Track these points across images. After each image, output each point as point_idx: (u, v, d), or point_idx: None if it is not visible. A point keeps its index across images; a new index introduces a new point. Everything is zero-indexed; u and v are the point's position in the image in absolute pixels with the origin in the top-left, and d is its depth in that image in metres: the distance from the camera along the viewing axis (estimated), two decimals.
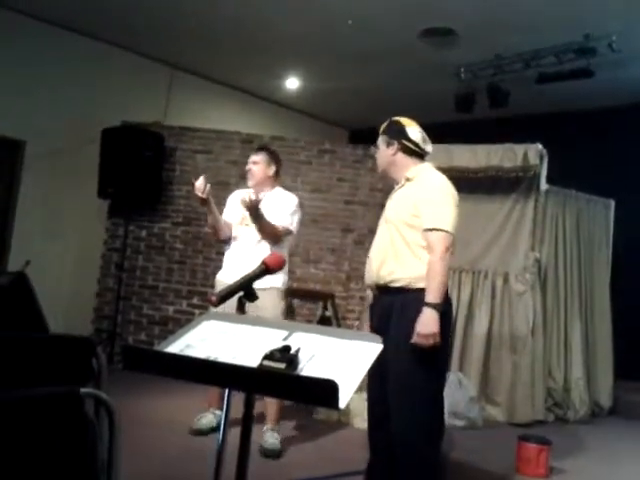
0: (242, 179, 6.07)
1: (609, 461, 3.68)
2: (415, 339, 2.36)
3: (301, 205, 3.82)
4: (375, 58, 5.91)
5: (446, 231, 2.45)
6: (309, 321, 5.60)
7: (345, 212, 6.05)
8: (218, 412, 3.63)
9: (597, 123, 6.28)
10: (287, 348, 1.30)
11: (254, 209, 3.35)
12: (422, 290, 2.42)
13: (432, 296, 2.38)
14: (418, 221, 2.50)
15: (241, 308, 1.64)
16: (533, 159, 4.53)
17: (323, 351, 1.36)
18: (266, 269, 1.74)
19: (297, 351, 1.30)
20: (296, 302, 5.69)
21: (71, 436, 1.66)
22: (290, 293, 5.65)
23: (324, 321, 5.23)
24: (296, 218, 3.73)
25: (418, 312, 2.37)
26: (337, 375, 1.19)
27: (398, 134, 2.73)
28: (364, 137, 7.57)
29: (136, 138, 5.71)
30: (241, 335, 1.49)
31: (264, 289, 3.34)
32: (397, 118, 2.81)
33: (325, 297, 5.54)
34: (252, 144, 6.06)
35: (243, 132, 6.15)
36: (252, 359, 1.31)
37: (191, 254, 5.90)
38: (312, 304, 5.76)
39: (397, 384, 2.44)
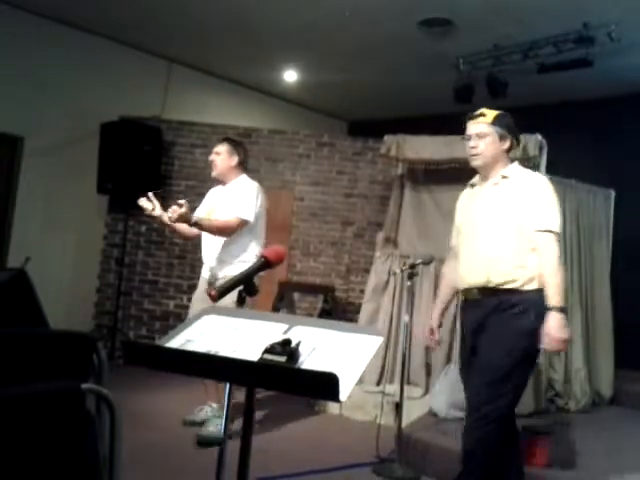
0: None
1: (610, 450, 3.69)
2: (547, 344, 2.32)
3: (260, 191, 3.74)
4: (373, 50, 5.88)
5: (557, 233, 2.42)
6: (309, 314, 5.61)
7: (345, 205, 6.05)
8: (215, 405, 3.67)
9: (596, 113, 6.26)
10: (288, 341, 1.30)
11: (184, 219, 3.30)
12: (533, 292, 2.40)
13: (557, 299, 2.33)
14: (525, 221, 2.44)
15: (241, 302, 1.64)
16: (532, 150, 4.51)
17: (324, 344, 1.36)
18: (266, 263, 1.74)
19: (297, 344, 1.30)
20: (296, 295, 5.70)
21: (72, 431, 1.67)
22: (291, 286, 5.67)
23: (324, 314, 5.24)
24: (251, 207, 3.62)
25: (532, 314, 2.36)
26: (338, 368, 1.19)
27: (513, 130, 2.63)
28: (363, 129, 7.58)
29: (134, 133, 5.70)
30: (241, 329, 1.49)
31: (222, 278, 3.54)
32: (504, 112, 2.66)
33: (325, 290, 5.55)
34: (251, 138, 6.06)
35: (241, 126, 6.15)
36: (253, 353, 1.31)
37: (191, 249, 5.90)
38: (312, 297, 5.77)
39: (497, 376, 2.41)
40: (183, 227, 3.59)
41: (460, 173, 5.01)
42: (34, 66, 5.60)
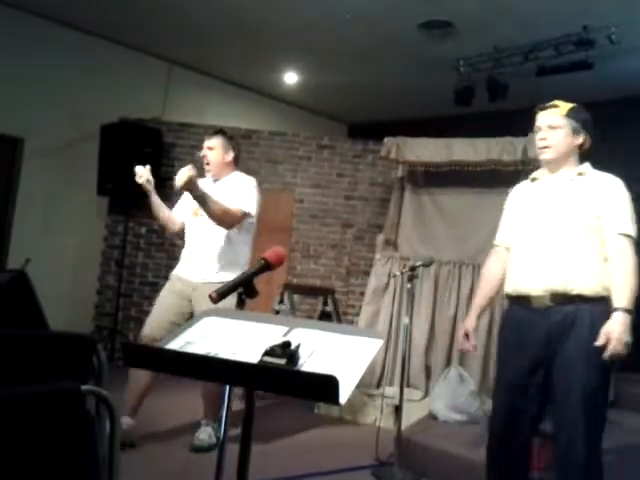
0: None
1: (611, 453, 3.68)
2: (610, 346, 2.12)
3: (258, 188, 3.51)
4: (374, 52, 5.89)
5: (634, 237, 2.27)
6: (309, 317, 5.61)
7: (345, 207, 6.05)
8: (216, 425, 3.44)
9: (596, 115, 6.24)
10: (287, 344, 1.30)
11: (192, 185, 3.02)
12: (608, 298, 2.21)
13: (626, 301, 2.15)
14: (600, 223, 2.28)
15: (241, 304, 1.64)
16: (533, 152, 4.51)
17: (324, 347, 1.36)
18: (266, 265, 1.74)
19: (297, 347, 1.30)
20: (296, 298, 5.70)
21: (72, 433, 1.66)
22: (291, 289, 5.66)
23: (324, 316, 5.24)
24: (253, 200, 3.38)
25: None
26: (337, 370, 1.19)
27: (588, 125, 2.42)
28: (363, 131, 7.59)
29: (135, 134, 5.70)
30: (241, 331, 1.49)
31: (214, 283, 3.14)
32: (579, 105, 2.45)
33: (325, 292, 5.54)
34: (251, 139, 6.07)
35: (242, 128, 6.15)
36: (252, 355, 1.31)
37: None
38: (312, 299, 5.77)
39: (583, 400, 2.19)
40: (167, 215, 3.47)
41: (460, 176, 5.04)
42: (34, 67, 5.61)
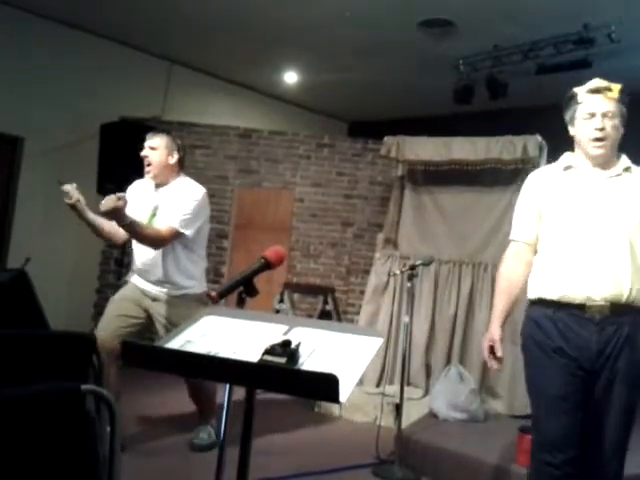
0: (240, 173, 6.10)
1: None
2: None
3: (205, 200, 3.25)
4: (373, 51, 5.89)
5: None
6: (309, 315, 5.61)
7: (345, 206, 6.05)
8: (214, 422, 3.46)
9: None
10: (288, 343, 1.30)
11: (117, 214, 2.82)
12: None
13: None
14: None
15: (241, 304, 1.64)
16: (532, 151, 4.51)
17: (324, 345, 1.36)
18: (266, 264, 1.73)
19: (298, 345, 1.30)
20: (296, 296, 5.70)
21: (72, 432, 1.66)
22: (291, 287, 5.67)
23: (324, 315, 5.24)
24: (193, 218, 3.11)
25: None
26: (338, 369, 1.19)
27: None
28: (363, 130, 7.59)
29: (135, 133, 5.66)
30: (241, 330, 1.49)
31: (177, 296, 3.13)
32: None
33: (325, 291, 5.54)
34: (251, 139, 6.07)
35: (242, 127, 6.14)
36: (253, 354, 1.31)
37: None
38: (312, 298, 5.77)
39: (624, 418, 2.04)
40: (113, 228, 3.16)
41: (459, 174, 5.04)
42: (34, 67, 5.60)
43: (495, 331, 2.19)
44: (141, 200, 3.29)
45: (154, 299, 3.22)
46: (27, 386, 1.62)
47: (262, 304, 4.81)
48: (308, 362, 1.29)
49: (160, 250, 3.13)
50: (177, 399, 4.26)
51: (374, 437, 3.47)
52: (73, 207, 3.06)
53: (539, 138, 4.53)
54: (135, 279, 3.31)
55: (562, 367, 2.04)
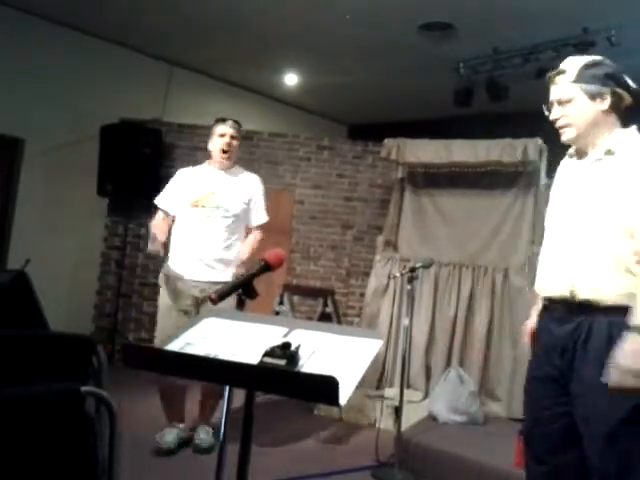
0: None
1: None
2: (614, 376, 1.61)
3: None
4: (374, 53, 5.89)
5: None
6: (309, 318, 5.61)
7: (345, 208, 6.05)
8: (181, 426, 3.47)
9: None
10: (287, 345, 1.30)
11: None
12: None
13: None
14: (631, 214, 1.77)
15: (241, 305, 1.64)
16: (533, 154, 4.52)
17: (323, 348, 1.36)
18: (266, 266, 1.74)
19: (297, 348, 1.30)
20: (296, 299, 5.70)
21: (72, 433, 1.67)
22: (290, 290, 5.66)
23: (324, 317, 5.24)
24: (263, 206, 3.52)
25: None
26: (337, 371, 1.19)
27: (611, 78, 1.87)
28: (363, 132, 7.59)
29: (135, 135, 5.70)
30: (241, 332, 1.49)
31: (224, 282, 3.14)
32: (595, 57, 1.95)
33: (325, 294, 5.54)
34: (252, 141, 6.06)
35: (242, 129, 6.13)
36: (252, 356, 1.31)
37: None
38: (312, 301, 5.76)
39: (605, 440, 1.75)
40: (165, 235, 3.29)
41: (460, 177, 5.05)
42: (34, 68, 5.61)
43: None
44: (201, 180, 3.40)
45: (202, 290, 3.23)
46: (27, 387, 1.62)
47: (262, 306, 4.81)
48: (308, 364, 1.29)
49: (220, 230, 3.28)
50: None
51: (374, 440, 3.47)
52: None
53: (539, 141, 4.54)
54: (178, 270, 3.34)
55: (540, 365, 1.97)
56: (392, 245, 5.22)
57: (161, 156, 5.89)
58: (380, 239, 5.23)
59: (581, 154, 1.99)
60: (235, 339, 1.45)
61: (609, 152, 1.88)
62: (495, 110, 6.09)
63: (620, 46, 4.86)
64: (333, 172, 6.09)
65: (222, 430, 1.59)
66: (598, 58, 1.96)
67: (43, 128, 5.69)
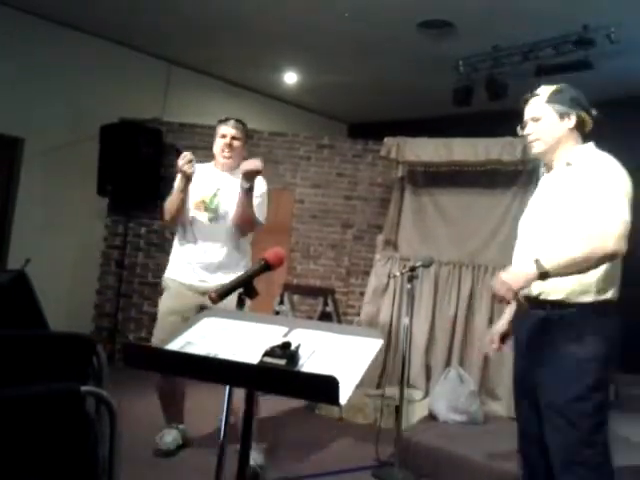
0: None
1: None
2: (493, 283, 1.93)
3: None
4: (373, 51, 5.89)
5: (624, 222, 1.97)
6: (309, 317, 5.61)
7: (345, 207, 6.05)
8: (181, 427, 3.45)
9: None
10: (287, 344, 1.30)
11: (255, 176, 2.96)
12: (586, 305, 2.01)
13: (552, 264, 1.88)
14: (581, 217, 2.00)
15: (241, 305, 1.64)
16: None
17: (324, 347, 1.36)
18: (266, 265, 1.74)
19: (297, 347, 1.30)
20: (296, 298, 5.70)
21: (72, 433, 1.66)
22: (291, 289, 5.66)
23: (324, 317, 5.24)
24: (265, 209, 3.25)
25: (589, 337, 1.99)
26: (338, 371, 1.19)
27: (577, 103, 2.20)
28: (363, 131, 7.59)
29: (134, 135, 5.70)
30: (241, 332, 1.49)
31: None
32: (565, 85, 2.27)
33: (325, 293, 5.54)
34: (251, 140, 6.05)
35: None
36: (252, 356, 1.31)
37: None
38: (312, 300, 5.76)
39: (560, 418, 2.02)
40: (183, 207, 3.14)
41: (459, 176, 5.04)
42: (34, 67, 5.61)
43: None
44: (205, 180, 3.29)
45: (204, 292, 3.09)
46: (27, 387, 1.62)
47: (262, 306, 4.81)
48: (308, 364, 1.29)
49: (225, 236, 3.16)
50: None
51: (374, 439, 3.46)
52: (188, 177, 3.10)
53: None
54: (185, 277, 3.23)
55: (517, 357, 2.25)
56: (392, 244, 5.22)
57: (161, 156, 5.89)
58: (380, 238, 5.22)
59: (549, 167, 2.25)
60: (235, 339, 1.45)
61: (568, 164, 2.13)
62: (495, 108, 6.08)
63: (619, 44, 4.86)
64: (333, 171, 6.09)
65: (222, 429, 1.59)
66: (565, 85, 2.28)
67: (43, 128, 5.69)
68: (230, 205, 3.17)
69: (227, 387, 1.55)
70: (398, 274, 3.77)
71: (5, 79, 5.42)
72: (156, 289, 5.94)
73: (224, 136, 3.30)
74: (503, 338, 2.34)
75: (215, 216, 3.19)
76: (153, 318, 5.85)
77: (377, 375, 4.72)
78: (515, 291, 1.89)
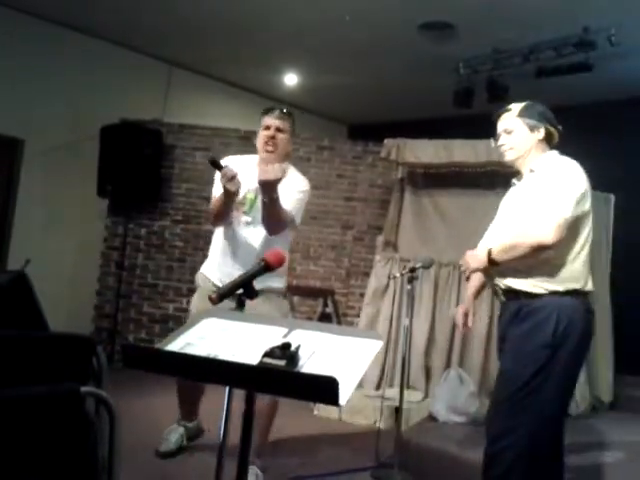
0: None
1: (609, 456, 3.68)
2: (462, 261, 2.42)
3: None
4: (374, 53, 5.90)
5: (565, 219, 2.19)
6: (309, 318, 5.61)
7: (345, 208, 6.05)
8: (191, 424, 3.39)
9: (596, 117, 6.26)
10: (287, 345, 1.30)
11: (274, 187, 2.64)
12: (552, 295, 2.22)
13: (499, 253, 2.26)
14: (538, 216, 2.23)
15: (240, 306, 1.64)
16: None
17: (323, 348, 1.36)
18: (266, 267, 1.74)
19: (297, 348, 1.30)
20: (296, 299, 5.69)
21: (72, 434, 1.66)
22: (290, 290, 5.66)
23: (324, 318, 5.24)
24: (302, 209, 3.10)
25: (552, 323, 2.18)
26: (337, 372, 1.19)
27: (546, 117, 2.41)
28: (363, 132, 7.59)
29: (135, 136, 5.70)
30: (241, 333, 1.49)
31: (273, 288, 2.86)
32: (534, 102, 2.48)
33: (325, 294, 5.54)
34: (251, 141, 6.05)
35: (242, 129, 6.14)
36: (252, 356, 1.31)
37: (191, 252, 5.89)
38: (312, 301, 5.76)
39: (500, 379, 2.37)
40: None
41: (459, 177, 5.05)
42: (35, 68, 5.61)
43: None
44: (244, 176, 2.90)
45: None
46: (27, 387, 1.62)
47: None
48: (308, 365, 1.29)
49: (262, 236, 2.94)
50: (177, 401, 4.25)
51: (374, 440, 3.46)
52: (232, 194, 2.71)
53: None
54: (214, 276, 3.03)
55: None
56: (392, 245, 5.22)
57: (161, 156, 5.89)
58: (380, 239, 5.22)
59: (519, 175, 2.48)
60: (235, 339, 1.45)
61: (531, 171, 2.38)
62: (495, 110, 6.09)
63: (620, 46, 4.86)
64: (333, 172, 6.09)
65: (222, 430, 1.59)
66: (534, 102, 2.47)
67: (43, 128, 5.70)
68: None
69: (227, 388, 1.55)
70: (398, 275, 3.77)
71: (5, 80, 5.42)
72: (156, 290, 5.95)
73: (268, 127, 2.99)
74: (467, 315, 2.68)
75: (252, 220, 2.95)
76: (153, 319, 5.92)
77: (377, 376, 4.72)
78: (471, 269, 2.41)
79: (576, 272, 2.26)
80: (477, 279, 2.68)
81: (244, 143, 6.02)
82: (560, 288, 2.22)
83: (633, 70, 5.62)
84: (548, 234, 2.14)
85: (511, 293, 2.33)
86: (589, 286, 2.29)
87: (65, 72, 5.84)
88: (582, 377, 4.79)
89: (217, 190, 2.91)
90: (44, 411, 1.59)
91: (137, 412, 3.86)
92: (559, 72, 5.30)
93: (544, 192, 2.22)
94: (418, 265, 3.51)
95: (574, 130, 6.99)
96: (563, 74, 5.28)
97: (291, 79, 7.00)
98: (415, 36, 5.38)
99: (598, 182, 5.14)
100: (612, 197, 5.30)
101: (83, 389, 1.66)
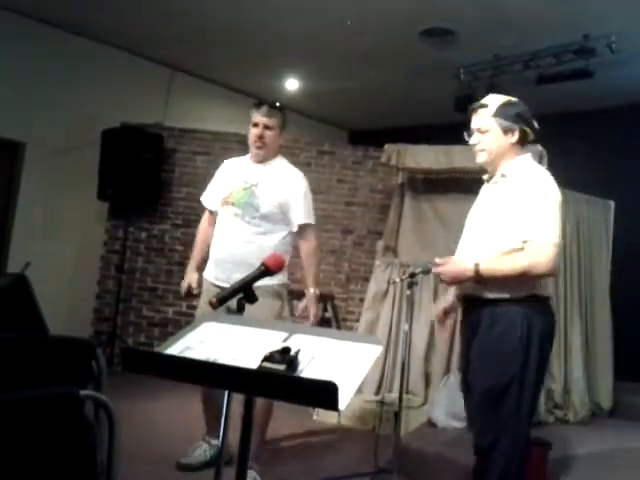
0: None
1: (609, 463, 3.67)
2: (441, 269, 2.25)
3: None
4: (375, 59, 5.91)
5: (553, 243, 2.16)
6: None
7: (345, 213, 6.06)
8: (214, 442, 3.22)
9: (596, 124, 6.27)
10: (287, 350, 1.30)
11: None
12: (513, 302, 2.19)
13: (487, 269, 2.16)
14: (513, 229, 2.21)
15: (240, 310, 1.64)
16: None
17: (323, 352, 1.36)
18: (266, 270, 1.74)
19: (297, 353, 1.30)
20: (295, 304, 5.68)
21: (71, 438, 1.66)
22: (290, 295, 5.65)
23: (324, 323, 5.23)
24: (311, 206, 3.08)
25: (518, 329, 2.16)
26: (337, 377, 1.19)
27: (522, 119, 2.34)
28: (363, 138, 7.60)
29: (135, 140, 5.71)
30: (241, 337, 1.49)
31: (266, 285, 2.77)
32: (511, 98, 2.41)
33: (325, 299, 5.53)
34: None
35: (242, 133, 6.12)
36: (252, 361, 1.31)
37: (191, 256, 5.88)
38: None
39: (481, 400, 2.27)
40: (208, 240, 3.12)
41: (459, 182, 5.05)
42: (36, 72, 5.62)
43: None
44: (235, 174, 3.08)
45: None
46: (26, 391, 1.62)
47: None
48: (307, 369, 1.29)
49: (251, 231, 2.96)
50: (177, 405, 4.25)
51: (373, 445, 3.45)
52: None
53: (539, 147, 4.53)
54: (215, 277, 3.06)
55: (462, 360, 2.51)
56: (392, 250, 5.22)
57: (162, 160, 5.90)
58: (380, 244, 5.22)
59: (489, 178, 2.42)
60: (235, 344, 1.45)
61: (503, 176, 2.31)
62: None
63: (620, 53, 4.88)
64: (333, 177, 6.10)
65: (221, 434, 1.59)
66: (514, 99, 2.43)
67: (44, 132, 5.70)
68: (258, 200, 2.94)
69: (226, 392, 1.55)
70: (398, 280, 3.77)
71: (6, 83, 5.43)
72: (155, 294, 5.95)
73: (256, 125, 3.03)
74: (447, 313, 2.58)
75: (242, 212, 2.95)
76: (152, 323, 5.91)
77: (376, 381, 4.72)
78: (452, 283, 2.36)
79: (535, 279, 2.25)
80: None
81: (244, 147, 6.03)
82: (521, 294, 2.20)
83: (633, 77, 5.63)
84: (551, 268, 2.13)
85: (474, 300, 2.29)
86: (548, 291, 2.31)
87: (66, 76, 5.85)
88: (582, 383, 4.79)
89: (211, 188, 3.20)
90: (43, 414, 1.59)
91: (136, 416, 3.85)
92: (559, 79, 5.31)
93: (527, 209, 2.16)
94: (418, 270, 3.50)
95: (574, 136, 7.04)
96: (563, 81, 5.29)
97: (292, 84, 7.01)
98: (416, 42, 5.40)
99: (599, 187, 5.22)
100: (612, 204, 5.31)
101: (82, 392, 1.66)
